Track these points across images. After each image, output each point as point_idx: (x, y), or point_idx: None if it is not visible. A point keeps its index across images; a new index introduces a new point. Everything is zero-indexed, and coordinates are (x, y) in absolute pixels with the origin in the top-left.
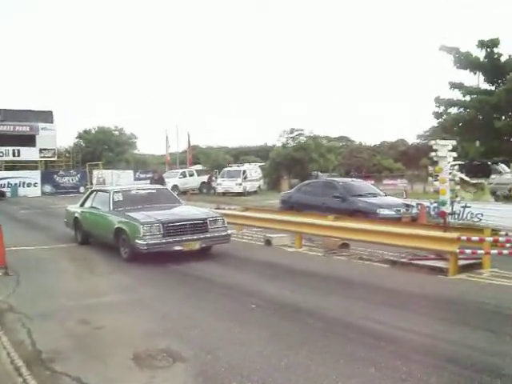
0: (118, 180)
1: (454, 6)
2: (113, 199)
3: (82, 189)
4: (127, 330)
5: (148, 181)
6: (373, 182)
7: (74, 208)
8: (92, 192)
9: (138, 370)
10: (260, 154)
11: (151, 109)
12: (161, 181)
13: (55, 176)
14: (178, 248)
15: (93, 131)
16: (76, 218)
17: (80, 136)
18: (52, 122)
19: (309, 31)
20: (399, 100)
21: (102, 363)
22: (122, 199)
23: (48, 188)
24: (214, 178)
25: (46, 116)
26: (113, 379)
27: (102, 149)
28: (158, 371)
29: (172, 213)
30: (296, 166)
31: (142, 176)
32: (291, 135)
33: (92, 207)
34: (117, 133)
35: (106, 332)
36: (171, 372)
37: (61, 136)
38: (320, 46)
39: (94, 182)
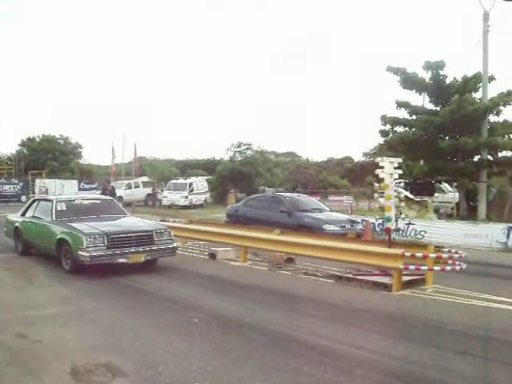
0: (62, 190)
1: (402, 27)
2: (55, 209)
3: (23, 198)
4: (66, 344)
5: (95, 191)
6: (319, 197)
7: (15, 217)
8: (34, 201)
9: None
10: (207, 167)
11: (98, 119)
12: (113, 192)
13: None
14: (122, 260)
15: (37, 139)
16: (16, 227)
17: (23, 144)
18: None
19: (261, 44)
20: (346, 117)
21: (38, 378)
22: (65, 209)
23: None
24: (158, 190)
25: None
26: None
27: (46, 158)
28: None
29: (117, 224)
30: (243, 180)
31: (87, 186)
32: (238, 149)
33: (34, 217)
34: (62, 141)
35: (43, 346)
36: None
37: (3, 143)
38: (269, 60)
39: (37, 191)
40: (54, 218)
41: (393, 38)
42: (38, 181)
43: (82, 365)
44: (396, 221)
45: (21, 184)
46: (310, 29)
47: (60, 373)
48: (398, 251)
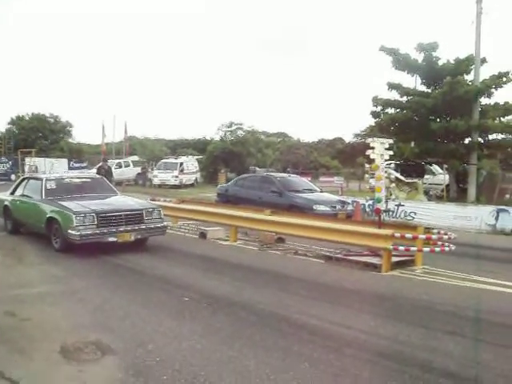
0: (52, 169)
1: (395, 8)
2: (45, 187)
3: (13, 176)
4: (55, 323)
5: (85, 170)
6: (309, 178)
7: (4, 196)
8: (24, 179)
9: (65, 363)
10: (198, 146)
11: (88, 97)
12: (110, 171)
13: None
14: (112, 239)
15: (27, 118)
16: (6, 206)
17: (13, 122)
18: None
19: (250, 25)
20: (338, 98)
21: (27, 357)
22: (54, 187)
23: None
24: (148, 169)
25: None
26: (37, 373)
27: (36, 136)
28: (87, 364)
29: (107, 203)
30: (234, 160)
31: (77, 165)
32: (230, 129)
33: (23, 195)
34: (52, 120)
35: (32, 324)
36: (100, 365)
37: None
38: (262, 41)
39: (26, 169)
40: (43, 196)
41: (386, 19)
42: (27, 159)
43: (71, 343)
44: (386, 202)
45: (10, 163)
46: (303, 10)
47: (49, 351)
48: (388, 232)
